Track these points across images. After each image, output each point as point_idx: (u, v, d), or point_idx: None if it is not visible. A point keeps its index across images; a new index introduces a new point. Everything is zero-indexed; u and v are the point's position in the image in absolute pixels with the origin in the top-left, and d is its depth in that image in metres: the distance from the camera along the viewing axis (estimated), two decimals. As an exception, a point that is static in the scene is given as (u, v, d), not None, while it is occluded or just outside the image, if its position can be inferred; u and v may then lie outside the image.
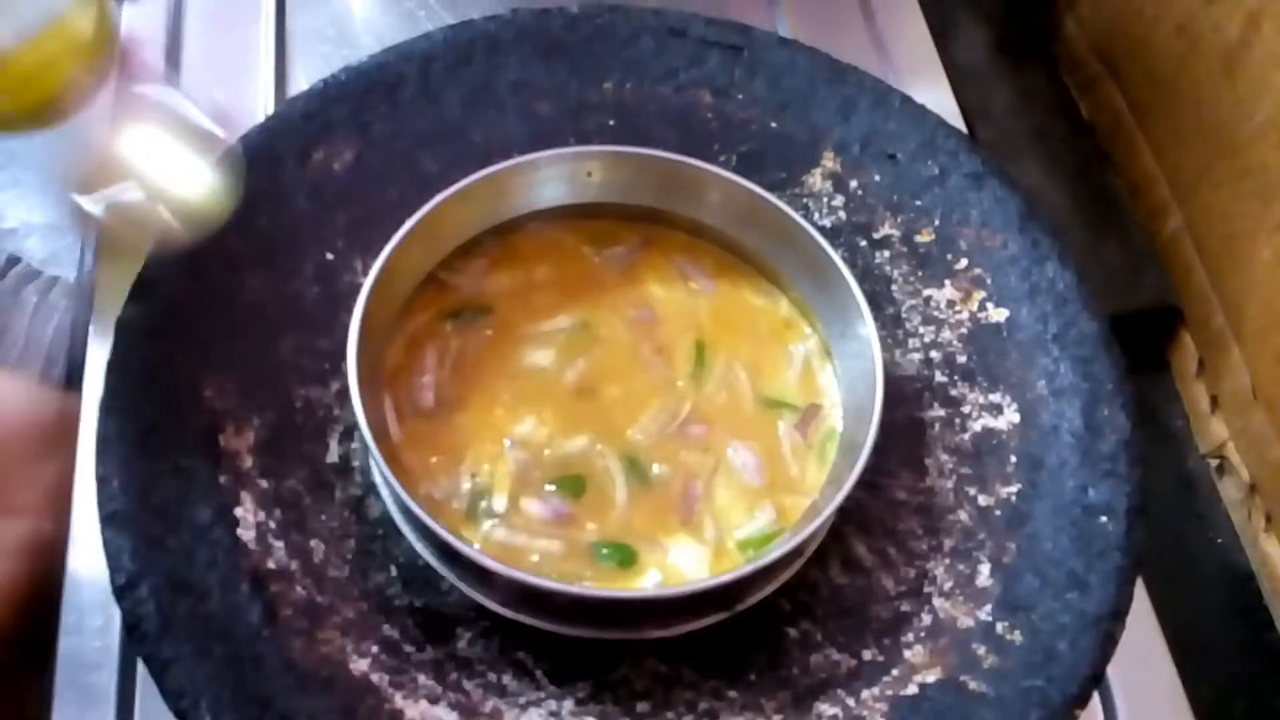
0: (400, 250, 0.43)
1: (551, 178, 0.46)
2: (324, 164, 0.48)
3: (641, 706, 0.39)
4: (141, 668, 0.41)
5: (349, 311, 0.41)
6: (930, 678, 0.40)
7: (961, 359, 0.47)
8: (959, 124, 0.55)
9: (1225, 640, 0.55)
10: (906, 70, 0.59)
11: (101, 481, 0.40)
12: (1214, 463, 0.59)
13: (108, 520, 0.39)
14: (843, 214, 0.50)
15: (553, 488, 0.43)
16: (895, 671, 0.40)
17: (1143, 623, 0.47)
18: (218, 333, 0.44)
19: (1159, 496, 0.50)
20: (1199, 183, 0.61)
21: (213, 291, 0.44)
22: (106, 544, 0.39)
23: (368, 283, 0.42)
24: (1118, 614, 0.40)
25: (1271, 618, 0.55)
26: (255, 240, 0.46)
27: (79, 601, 0.44)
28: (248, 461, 0.42)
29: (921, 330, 0.48)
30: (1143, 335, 0.63)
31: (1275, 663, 0.53)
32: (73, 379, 0.48)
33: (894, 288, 0.49)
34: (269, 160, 0.47)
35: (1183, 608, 0.50)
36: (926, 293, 0.48)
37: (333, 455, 0.43)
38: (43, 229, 0.70)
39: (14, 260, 0.61)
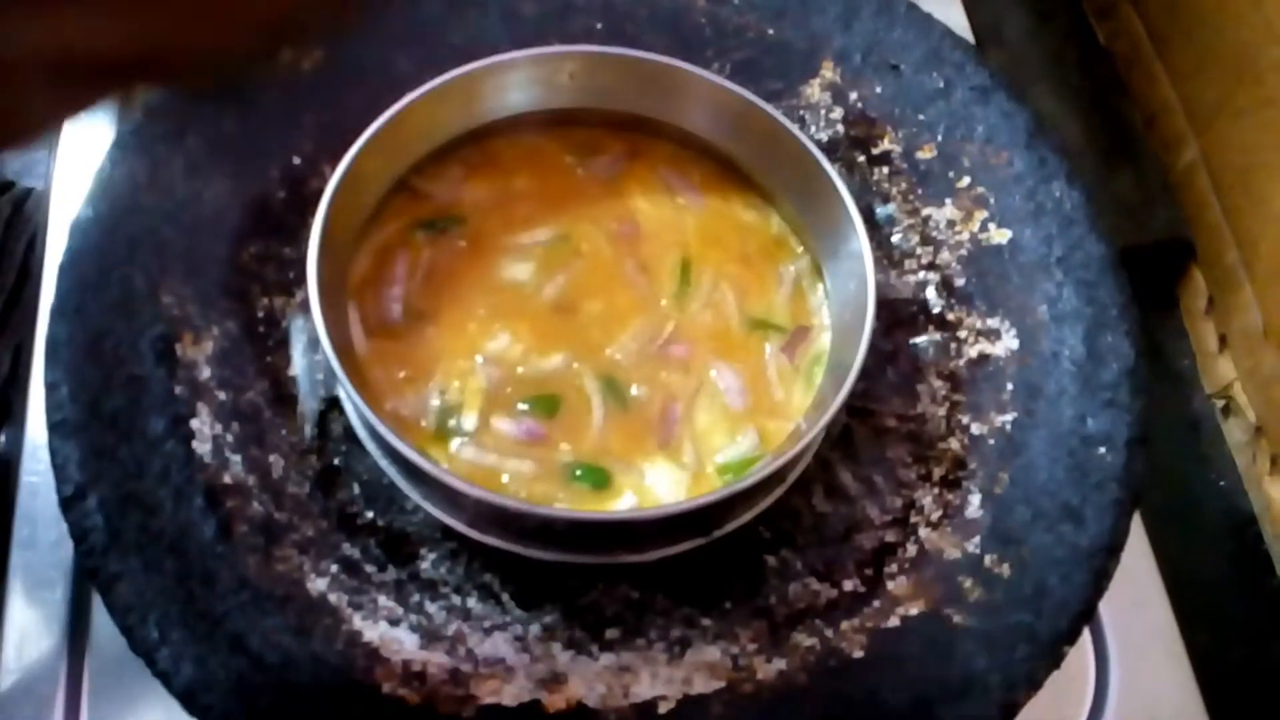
0: (366, 153, 0.40)
1: (529, 79, 0.43)
2: (291, 63, 0.45)
3: (611, 633, 0.38)
4: (95, 583, 0.40)
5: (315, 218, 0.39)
6: (913, 610, 0.38)
7: (960, 281, 0.45)
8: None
9: (1225, 585, 0.53)
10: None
11: (50, 388, 0.38)
12: (1220, 403, 0.57)
13: (55, 428, 0.38)
14: (840, 128, 0.47)
15: (526, 407, 0.41)
16: (877, 603, 0.39)
17: (1140, 562, 0.45)
18: (177, 237, 0.42)
19: (1162, 437, 0.49)
20: (1218, 112, 0.58)
21: (172, 195, 0.42)
22: (53, 453, 0.37)
23: (330, 186, 0.39)
24: (1113, 549, 0.38)
25: (1272, 562, 0.53)
26: (218, 142, 0.43)
27: (32, 514, 0.42)
28: (205, 372, 0.40)
29: (919, 251, 0.45)
30: (1152, 270, 0.60)
31: (1275, 609, 0.52)
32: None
33: (892, 206, 0.46)
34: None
35: (1182, 551, 0.48)
36: (926, 212, 0.46)
37: (295, 368, 0.42)
38: (15, 140, 0.67)
39: (-15, 171, 0.59)
